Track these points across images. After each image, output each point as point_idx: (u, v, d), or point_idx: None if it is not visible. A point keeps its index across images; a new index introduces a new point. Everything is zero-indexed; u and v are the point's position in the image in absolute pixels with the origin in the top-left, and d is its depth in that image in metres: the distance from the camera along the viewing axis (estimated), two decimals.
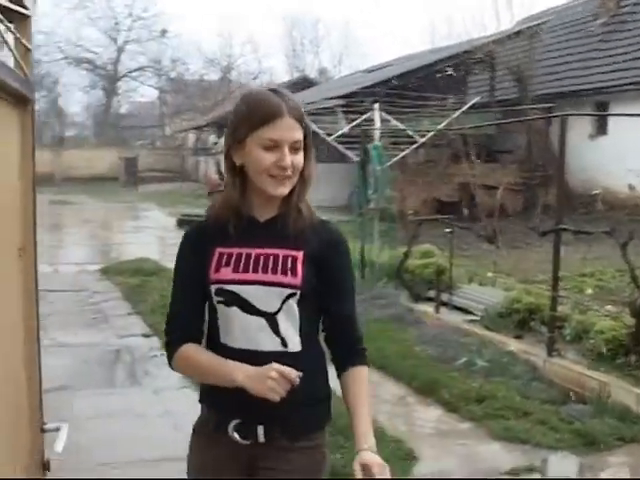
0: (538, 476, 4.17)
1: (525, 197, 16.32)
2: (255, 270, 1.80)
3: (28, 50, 2.09)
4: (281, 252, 1.82)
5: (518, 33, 18.54)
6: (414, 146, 11.74)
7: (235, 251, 1.82)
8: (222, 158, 1.84)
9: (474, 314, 7.38)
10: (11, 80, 1.67)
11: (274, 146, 1.73)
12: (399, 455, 4.26)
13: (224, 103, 35.43)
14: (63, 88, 44.90)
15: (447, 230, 8.24)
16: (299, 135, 1.78)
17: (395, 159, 10.97)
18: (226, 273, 1.79)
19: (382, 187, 8.74)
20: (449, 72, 17.25)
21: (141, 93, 48.05)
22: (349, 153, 10.98)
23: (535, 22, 18.86)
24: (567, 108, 16.91)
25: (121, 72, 44.29)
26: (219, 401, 1.84)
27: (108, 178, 33.11)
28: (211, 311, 1.86)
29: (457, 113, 13.09)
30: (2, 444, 1.65)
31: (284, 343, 1.81)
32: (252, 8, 67.07)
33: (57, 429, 1.91)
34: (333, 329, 1.89)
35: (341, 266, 1.90)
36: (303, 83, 31.77)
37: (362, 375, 1.87)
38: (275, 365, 1.69)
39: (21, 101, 1.84)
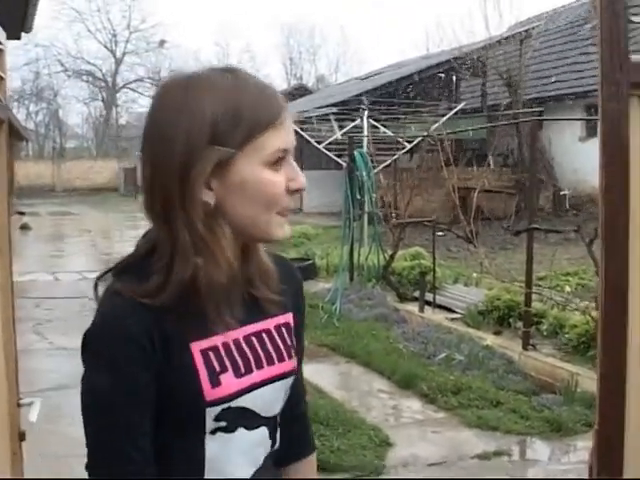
0: (506, 459, 4.47)
1: (518, 199, 16.68)
2: (259, 363, 1.18)
3: (2, 79, 2.47)
4: (270, 323, 1.23)
5: (508, 38, 18.88)
6: (401, 152, 12.03)
7: (219, 340, 1.14)
8: (154, 198, 1.16)
9: (456, 312, 7.61)
10: None
11: (280, 160, 1.12)
12: (375, 441, 4.56)
13: None
14: (63, 100, 45.73)
15: (440, 234, 8.37)
16: None
17: (382, 165, 11.25)
18: (230, 382, 1.13)
19: (369, 192, 8.92)
20: (440, 78, 17.53)
21: (140, 104, 48.80)
22: (339, 160, 11.27)
23: (525, 27, 19.18)
24: (557, 112, 17.32)
25: (120, 84, 45.06)
26: None
27: (108, 189, 33.71)
28: (189, 448, 1.12)
29: (444, 119, 13.38)
30: None
31: (274, 443, 1.25)
32: (249, 17, 68.40)
33: (31, 403, 2.13)
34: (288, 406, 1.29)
35: (304, 318, 1.36)
36: (300, 91, 32.09)
37: (314, 465, 1.41)
38: None
39: None
